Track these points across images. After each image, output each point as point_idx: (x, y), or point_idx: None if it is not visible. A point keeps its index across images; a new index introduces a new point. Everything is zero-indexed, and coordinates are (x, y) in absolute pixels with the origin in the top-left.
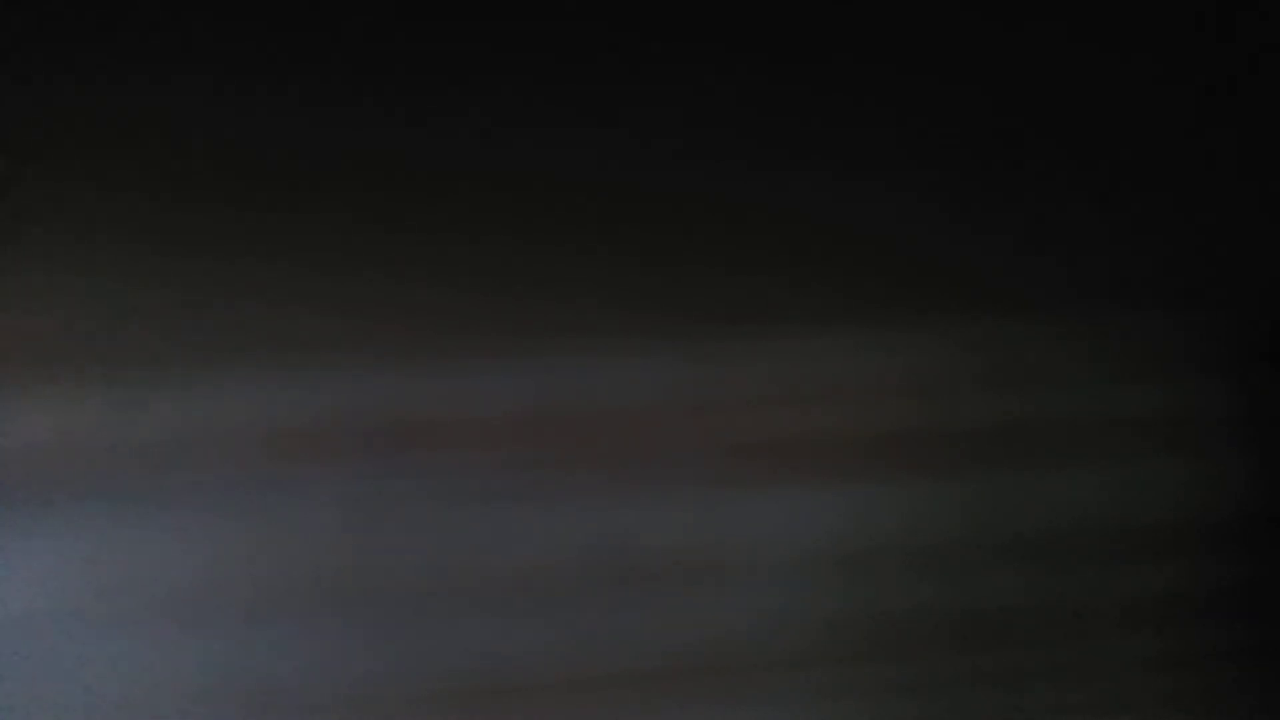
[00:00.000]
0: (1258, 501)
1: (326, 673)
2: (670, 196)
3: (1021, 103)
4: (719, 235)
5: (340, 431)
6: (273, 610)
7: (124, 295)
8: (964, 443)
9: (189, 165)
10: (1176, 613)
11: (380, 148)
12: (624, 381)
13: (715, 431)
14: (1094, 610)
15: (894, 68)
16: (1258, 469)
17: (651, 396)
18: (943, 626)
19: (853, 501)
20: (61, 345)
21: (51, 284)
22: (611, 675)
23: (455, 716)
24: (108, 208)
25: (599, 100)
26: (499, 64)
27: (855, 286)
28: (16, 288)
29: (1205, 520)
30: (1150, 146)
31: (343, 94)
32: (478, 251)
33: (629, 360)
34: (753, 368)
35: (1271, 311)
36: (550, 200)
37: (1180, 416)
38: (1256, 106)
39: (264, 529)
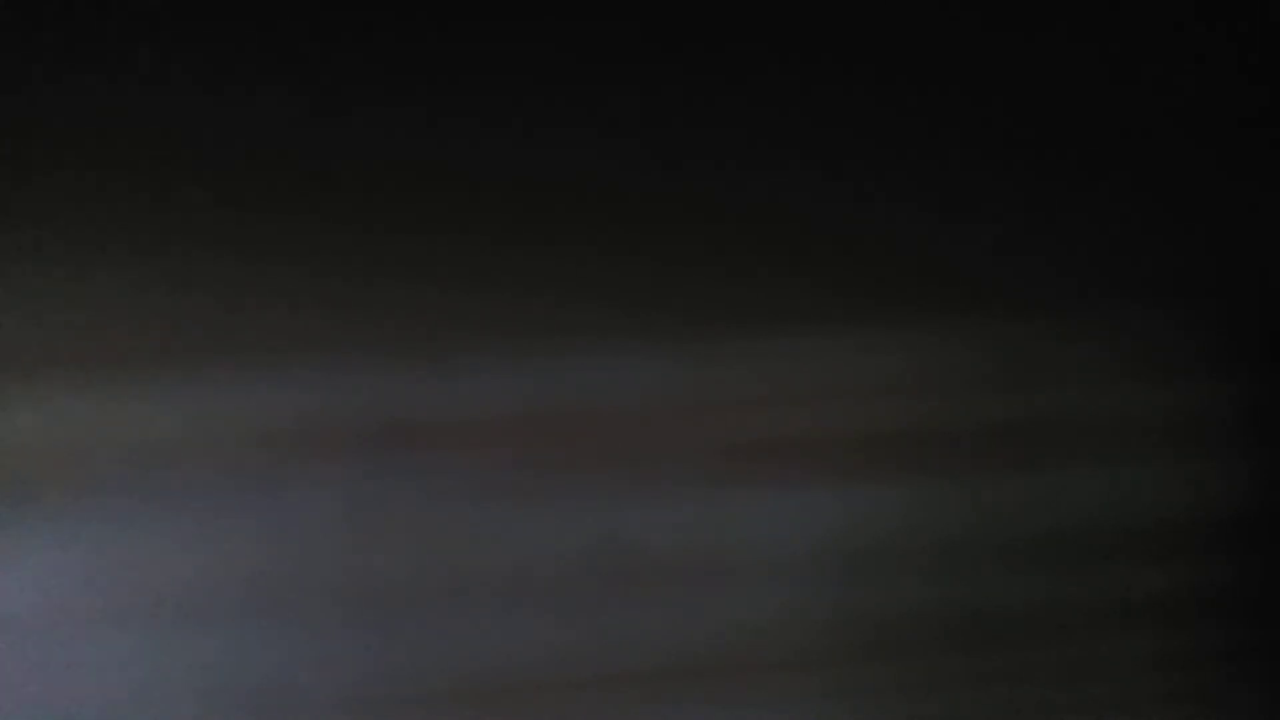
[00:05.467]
0: (1258, 501)
1: (326, 672)
2: (670, 197)
3: (1022, 103)
4: (719, 235)
5: (339, 431)
6: (271, 610)
7: (121, 295)
8: (965, 443)
9: (186, 165)
10: (1176, 613)
11: (380, 148)
12: (624, 381)
13: (715, 431)
14: (1094, 610)
15: (895, 69)
16: (1258, 469)
17: (651, 396)
18: (943, 626)
19: (853, 501)
20: (58, 346)
21: (49, 284)
22: (611, 675)
23: (455, 716)
24: (104, 208)
25: (599, 101)
26: (499, 64)
27: (855, 286)
28: (15, 288)
29: (1205, 520)
30: (1151, 147)
31: (344, 95)
32: (477, 251)
33: (629, 360)
34: (752, 368)
35: (1271, 311)
36: (550, 201)
37: (1180, 416)
38: (1256, 107)
39: (263, 528)
